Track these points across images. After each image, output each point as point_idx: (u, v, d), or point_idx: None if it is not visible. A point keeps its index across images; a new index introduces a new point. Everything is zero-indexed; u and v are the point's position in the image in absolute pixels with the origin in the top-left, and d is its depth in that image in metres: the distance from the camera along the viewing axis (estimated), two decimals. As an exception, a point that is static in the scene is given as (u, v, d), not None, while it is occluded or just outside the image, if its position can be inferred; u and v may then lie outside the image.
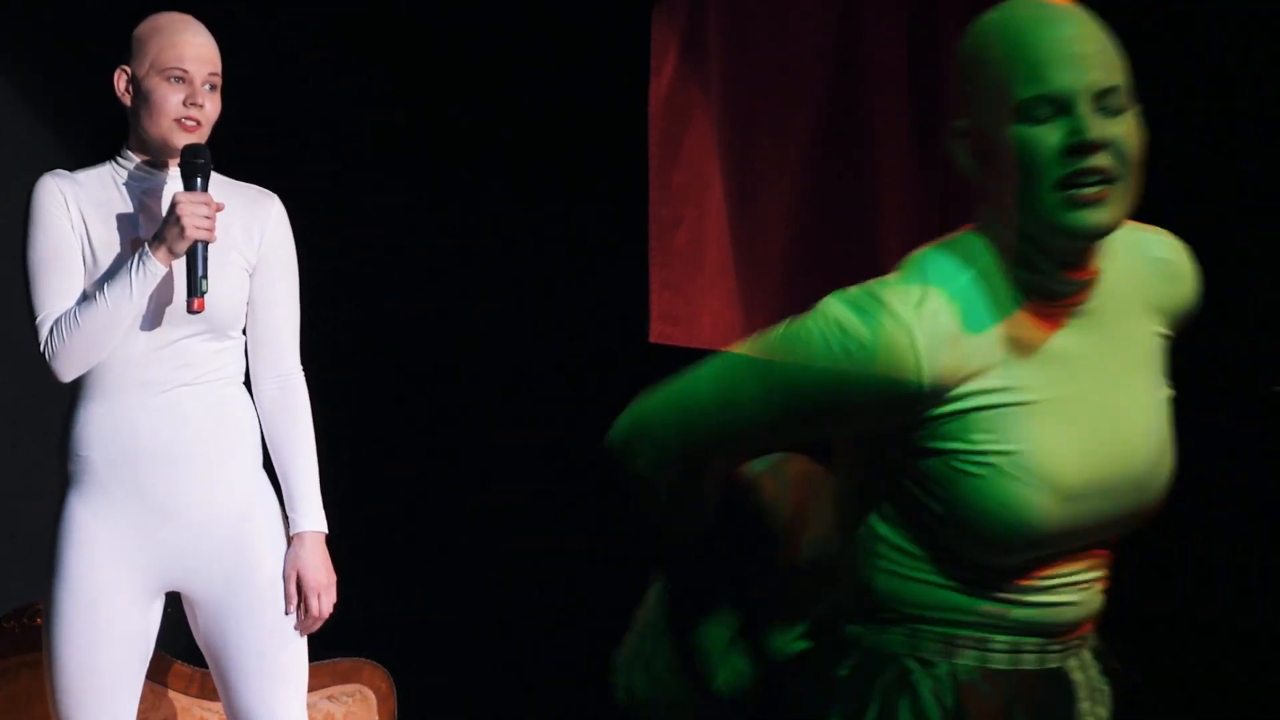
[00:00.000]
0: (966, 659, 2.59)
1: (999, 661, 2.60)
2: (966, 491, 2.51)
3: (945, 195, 4.71)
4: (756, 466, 2.77)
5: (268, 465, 4.00)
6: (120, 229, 3.87)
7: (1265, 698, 4.57)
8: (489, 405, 5.49)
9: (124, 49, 3.90)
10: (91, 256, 3.84)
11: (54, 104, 5.06)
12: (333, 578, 3.97)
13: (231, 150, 3.93)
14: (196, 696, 4.33)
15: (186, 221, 3.74)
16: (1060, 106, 2.46)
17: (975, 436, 2.50)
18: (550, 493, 5.39)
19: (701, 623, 2.72)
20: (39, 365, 3.82)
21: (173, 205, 3.76)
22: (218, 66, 3.89)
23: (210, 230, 3.76)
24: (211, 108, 3.88)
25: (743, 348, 2.57)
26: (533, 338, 5.47)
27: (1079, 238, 2.48)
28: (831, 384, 2.48)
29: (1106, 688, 2.69)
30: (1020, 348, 2.53)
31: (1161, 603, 4.23)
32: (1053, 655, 2.62)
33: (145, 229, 3.85)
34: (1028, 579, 2.57)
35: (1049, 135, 2.45)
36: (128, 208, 3.88)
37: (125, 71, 3.88)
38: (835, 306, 2.50)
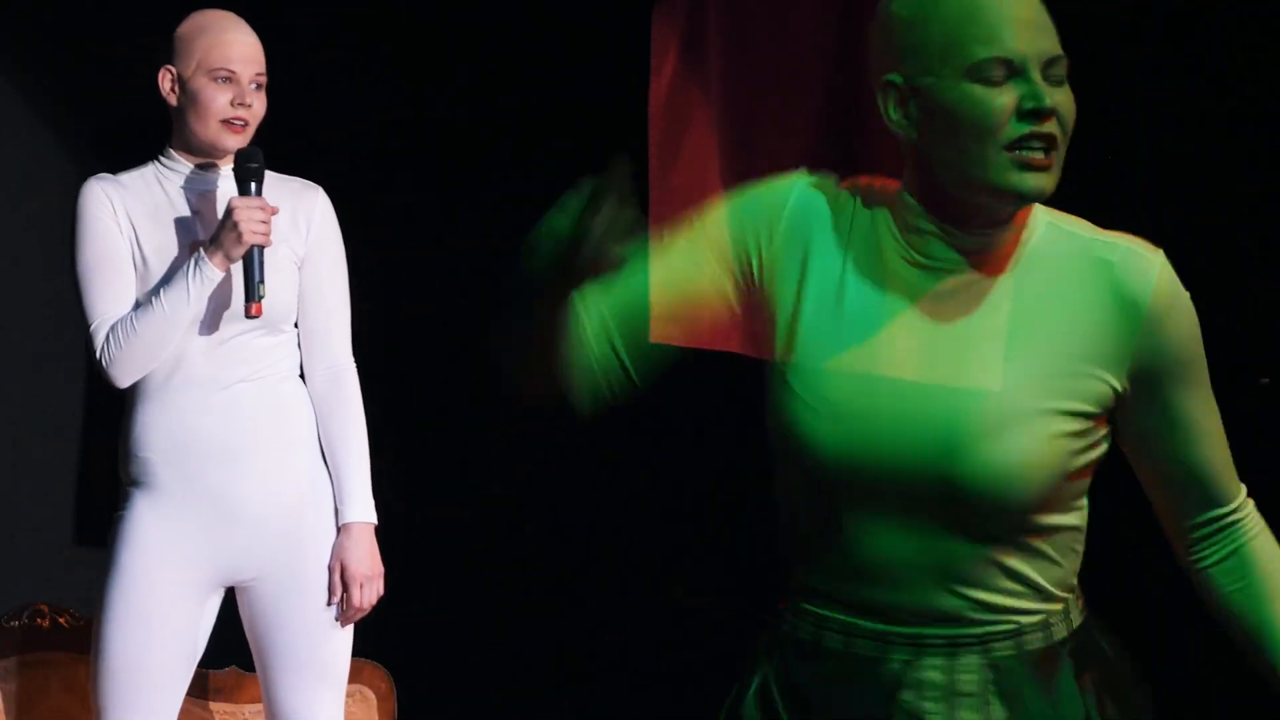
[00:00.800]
0: (805, 633, 2.60)
1: (833, 641, 2.57)
2: (772, 408, 2.56)
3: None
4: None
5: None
6: (172, 231, 3.85)
7: (1265, 698, 4.56)
8: (488, 405, 5.48)
9: (165, 49, 3.87)
10: (141, 259, 3.83)
11: (54, 104, 5.06)
12: (378, 569, 3.96)
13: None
14: (197, 696, 4.34)
15: (243, 227, 3.73)
16: (1013, 70, 2.49)
17: (796, 353, 2.56)
18: (550, 493, 5.39)
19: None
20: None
21: (228, 210, 3.75)
22: (263, 65, 3.88)
23: (266, 235, 3.76)
24: (259, 107, 3.88)
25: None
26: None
27: (1019, 199, 2.50)
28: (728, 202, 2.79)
29: (996, 701, 2.58)
30: (864, 275, 2.59)
31: (1147, 597, 4.22)
32: (897, 646, 2.55)
33: (199, 231, 3.84)
34: (861, 555, 2.53)
35: (1000, 96, 2.49)
36: (178, 209, 3.86)
37: (170, 72, 3.85)
38: None
